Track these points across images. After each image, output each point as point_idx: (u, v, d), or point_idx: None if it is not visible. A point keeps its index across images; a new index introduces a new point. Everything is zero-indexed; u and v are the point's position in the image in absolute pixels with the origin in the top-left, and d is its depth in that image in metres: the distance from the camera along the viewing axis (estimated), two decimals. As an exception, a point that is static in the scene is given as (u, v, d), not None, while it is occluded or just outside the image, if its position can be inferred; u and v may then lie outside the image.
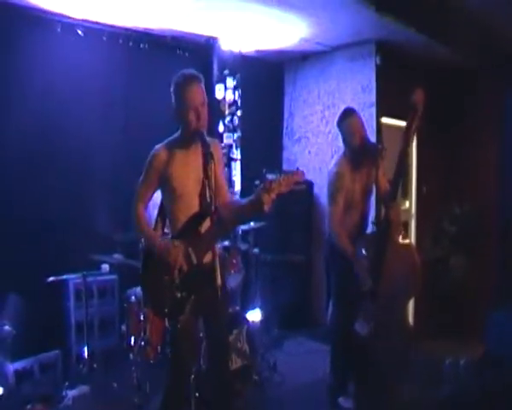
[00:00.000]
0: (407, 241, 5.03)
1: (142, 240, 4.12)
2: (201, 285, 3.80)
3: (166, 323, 3.97)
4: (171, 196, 3.88)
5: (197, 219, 3.86)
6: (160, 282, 3.75)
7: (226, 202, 4.04)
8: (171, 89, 3.84)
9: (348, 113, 5.21)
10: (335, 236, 5.03)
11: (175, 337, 3.92)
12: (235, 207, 4.01)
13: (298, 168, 3.80)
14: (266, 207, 3.58)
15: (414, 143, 7.93)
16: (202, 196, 3.72)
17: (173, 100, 3.83)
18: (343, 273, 5.02)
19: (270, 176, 7.49)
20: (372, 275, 4.65)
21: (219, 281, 3.67)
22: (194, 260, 3.80)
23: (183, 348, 3.92)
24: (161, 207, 4.04)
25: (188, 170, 3.84)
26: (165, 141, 3.89)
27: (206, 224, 3.84)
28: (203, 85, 3.86)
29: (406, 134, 4.63)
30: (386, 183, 4.98)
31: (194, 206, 3.82)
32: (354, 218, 5.13)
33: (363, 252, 4.82)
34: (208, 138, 3.75)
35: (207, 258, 3.87)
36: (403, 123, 4.77)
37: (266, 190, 3.55)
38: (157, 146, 3.86)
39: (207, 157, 3.60)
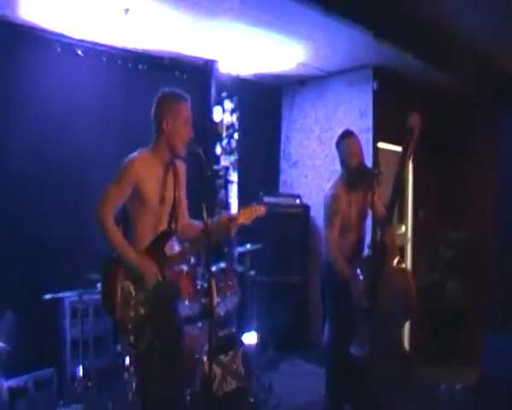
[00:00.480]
0: (402, 265, 5.03)
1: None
2: (163, 305, 3.92)
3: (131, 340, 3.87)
4: (141, 208, 3.85)
5: (165, 237, 3.95)
6: (127, 296, 3.78)
7: (187, 222, 4.21)
8: (159, 99, 3.97)
9: (347, 134, 5.32)
10: (332, 258, 5.07)
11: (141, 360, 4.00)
12: (198, 227, 4.00)
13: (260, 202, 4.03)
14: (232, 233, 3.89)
15: (410, 168, 7.97)
16: (171, 215, 3.91)
17: (157, 112, 3.92)
18: (339, 295, 5.03)
19: (266, 198, 7.55)
20: (367, 297, 4.66)
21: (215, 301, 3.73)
22: (159, 278, 3.86)
23: (149, 374, 3.93)
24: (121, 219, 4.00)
25: (161, 187, 3.89)
26: (141, 150, 3.91)
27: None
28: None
29: (402, 158, 4.67)
30: (382, 207, 5.03)
31: (162, 223, 3.92)
32: (350, 240, 5.18)
33: (360, 274, 4.84)
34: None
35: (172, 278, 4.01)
36: (400, 148, 4.81)
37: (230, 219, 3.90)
38: (135, 154, 3.86)
39: (178, 175, 3.91)
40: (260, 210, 4.15)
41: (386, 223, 4.72)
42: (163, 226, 3.92)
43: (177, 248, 4.62)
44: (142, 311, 3.78)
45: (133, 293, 3.80)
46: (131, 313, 3.77)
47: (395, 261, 4.82)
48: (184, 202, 4.18)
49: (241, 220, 4.01)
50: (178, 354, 4.14)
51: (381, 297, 4.57)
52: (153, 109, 3.97)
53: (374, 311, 4.57)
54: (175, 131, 3.84)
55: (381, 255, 4.67)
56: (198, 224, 4.01)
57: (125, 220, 4.00)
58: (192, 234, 4.14)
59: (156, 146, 3.91)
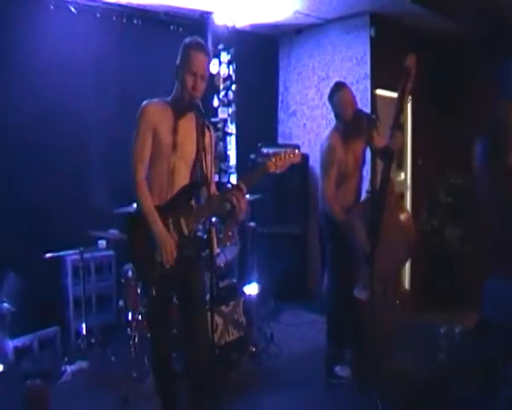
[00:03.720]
0: (402, 204, 5.08)
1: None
2: (188, 258, 3.85)
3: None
4: (155, 153, 3.78)
5: (191, 189, 3.89)
6: (150, 251, 3.72)
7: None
8: (180, 48, 3.79)
9: (339, 86, 5.27)
10: (329, 207, 5.11)
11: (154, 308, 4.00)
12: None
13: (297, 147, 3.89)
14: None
15: (409, 115, 7.95)
16: (196, 166, 3.79)
17: (178, 60, 3.78)
18: (338, 242, 5.08)
19: (265, 149, 7.53)
20: (369, 238, 4.68)
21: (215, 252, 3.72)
22: (186, 232, 3.78)
23: (159, 317, 4.00)
24: None
25: (181, 136, 3.81)
26: (157, 99, 3.83)
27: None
28: (209, 60, 3.88)
29: (400, 98, 4.69)
30: (382, 140, 4.95)
31: (176, 171, 3.84)
32: (348, 189, 5.21)
33: (358, 219, 4.86)
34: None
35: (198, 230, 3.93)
36: (409, 99, 4.83)
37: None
38: (148, 100, 3.79)
39: (203, 129, 3.67)
40: (296, 156, 3.93)
41: (392, 130, 4.69)
42: (178, 174, 3.83)
43: None
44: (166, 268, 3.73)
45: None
46: (155, 270, 3.73)
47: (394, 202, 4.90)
48: (211, 168, 3.90)
49: (272, 169, 3.82)
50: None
51: (383, 236, 4.58)
52: (179, 55, 3.82)
53: (376, 251, 4.58)
54: (181, 78, 3.74)
55: (382, 192, 4.66)
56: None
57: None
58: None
59: (171, 95, 3.85)
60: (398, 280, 4.97)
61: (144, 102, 3.78)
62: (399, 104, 4.67)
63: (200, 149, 3.67)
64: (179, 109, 3.81)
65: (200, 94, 3.78)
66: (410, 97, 4.75)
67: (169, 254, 3.68)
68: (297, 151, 3.93)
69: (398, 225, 4.77)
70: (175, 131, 3.79)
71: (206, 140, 3.75)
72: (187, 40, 3.83)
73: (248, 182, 3.80)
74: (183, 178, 3.85)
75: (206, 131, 3.77)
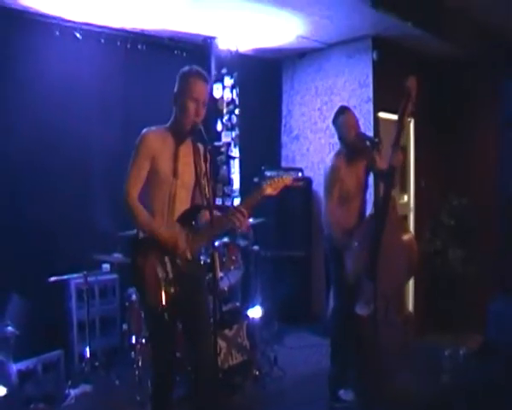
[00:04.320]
0: (404, 223, 5.09)
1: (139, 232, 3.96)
2: (192, 281, 3.90)
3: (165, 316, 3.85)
4: (155, 181, 3.83)
5: (192, 213, 3.95)
6: (155, 275, 3.77)
7: None
8: (178, 76, 3.88)
9: (342, 110, 5.37)
10: (330, 226, 5.17)
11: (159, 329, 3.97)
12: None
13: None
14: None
15: (411, 137, 7.98)
16: (196, 191, 3.87)
17: (176, 88, 3.86)
18: (341, 260, 5.11)
19: (268, 173, 7.57)
20: (370, 255, 4.71)
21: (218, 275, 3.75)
22: (189, 256, 3.83)
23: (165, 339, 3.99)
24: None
25: (181, 162, 3.88)
26: (156, 127, 3.89)
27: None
28: (208, 86, 3.93)
29: (400, 119, 4.72)
30: (384, 163, 4.99)
31: (178, 198, 3.89)
32: (351, 211, 5.24)
33: (358, 241, 4.90)
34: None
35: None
36: (409, 120, 4.87)
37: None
38: (147, 128, 3.85)
39: (204, 154, 3.78)
40: (288, 179, 4.11)
41: (393, 148, 4.73)
42: (179, 201, 3.90)
43: None
44: (172, 289, 3.79)
45: (164, 272, 3.81)
46: (162, 292, 3.77)
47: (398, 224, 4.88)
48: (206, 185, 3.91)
49: (268, 191, 3.96)
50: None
51: (385, 254, 4.60)
52: (177, 83, 3.92)
53: (377, 269, 4.59)
54: (181, 106, 3.82)
55: (384, 210, 4.69)
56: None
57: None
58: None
59: (170, 122, 3.92)
60: (401, 299, 4.97)
61: (144, 130, 3.83)
62: (400, 125, 4.71)
63: (199, 174, 3.78)
64: (179, 136, 3.88)
65: (201, 119, 3.85)
66: (410, 119, 4.77)
67: (184, 247, 3.77)
68: (290, 177, 4.14)
69: (399, 243, 4.78)
70: (176, 158, 3.86)
71: (207, 165, 3.79)
72: (185, 68, 3.90)
73: (248, 204, 3.90)
74: (184, 204, 3.92)
75: (208, 155, 3.82)
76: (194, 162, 3.86)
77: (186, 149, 3.90)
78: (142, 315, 5.39)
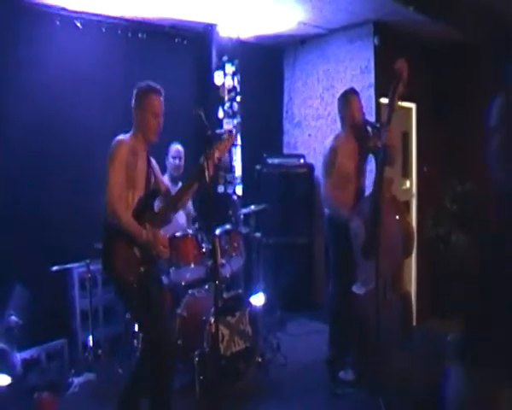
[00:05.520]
0: (398, 201, 5.14)
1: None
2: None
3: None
4: (129, 188, 4.21)
5: (149, 198, 4.34)
6: (130, 259, 4.14)
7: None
8: (134, 93, 4.43)
9: (350, 93, 5.52)
10: (330, 202, 5.29)
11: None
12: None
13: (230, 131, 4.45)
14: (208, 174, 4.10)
15: (413, 123, 7.97)
16: (148, 180, 4.33)
17: (135, 102, 4.40)
18: (340, 244, 5.17)
19: (270, 160, 7.58)
20: (368, 234, 4.75)
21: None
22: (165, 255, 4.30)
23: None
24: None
25: (145, 170, 4.34)
26: (123, 135, 4.33)
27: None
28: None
29: (391, 100, 4.78)
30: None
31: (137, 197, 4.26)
32: (350, 192, 5.33)
33: (359, 216, 5.01)
34: None
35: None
36: (402, 103, 4.90)
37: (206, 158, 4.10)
38: (121, 136, 4.29)
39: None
40: (231, 138, 4.73)
41: (385, 126, 4.81)
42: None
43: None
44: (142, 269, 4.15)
45: (135, 256, 4.15)
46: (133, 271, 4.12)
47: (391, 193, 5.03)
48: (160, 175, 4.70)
49: (217, 155, 4.36)
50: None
51: (382, 232, 4.62)
52: (135, 99, 4.43)
53: (374, 248, 4.62)
54: (146, 122, 4.28)
55: (377, 188, 4.74)
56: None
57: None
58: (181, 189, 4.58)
59: (134, 135, 4.34)
60: (398, 278, 4.97)
61: (116, 138, 4.29)
62: (390, 106, 4.81)
63: (151, 177, 4.37)
64: (140, 144, 4.32)
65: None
66: (400, 100, 4.86)
67: (159, 242, 4.16)
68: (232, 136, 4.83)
69: (394, 222, 4.83)
70: (146, 167, 4.36)
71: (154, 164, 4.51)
72: (141, 84, 4.43)
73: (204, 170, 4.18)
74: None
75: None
76: (147, 168, 4.35)
77: (143, 157, 4.35)
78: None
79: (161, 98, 4.36)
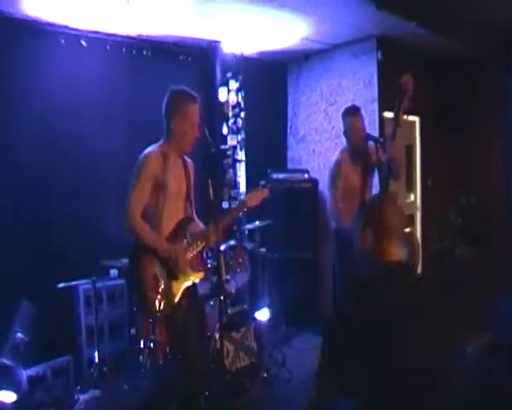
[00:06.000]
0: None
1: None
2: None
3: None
4: (162, 200, 4.00)
5: (186, 222, 4.14)
6: (157, 280, 3.95)
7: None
8: (168, 98, 4.14)
9: (352, 111, 5.56)
10: (334, 214, 5.35)
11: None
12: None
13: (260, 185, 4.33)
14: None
15: (417, 137, 7.98)
16: (185, 205, 4.12)
17: (169, 108, 4.12)
18: (347, 256, 5.15)
19: (275, 175, 7.59)
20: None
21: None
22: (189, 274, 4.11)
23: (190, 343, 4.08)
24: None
25: (176, 176, 4.07)
26: (155, 145, 4.10)
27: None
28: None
29: (396, 114, 4.79)
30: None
31: (179, 210, 4.12)
32: (356, 205, 5.32)
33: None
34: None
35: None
36: (405, 117, 4.93)
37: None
38: (149, 149, 4.04)
39: (187, 168, 4.11)
40: (265, 192, 4.54)
41: (390, 140, 4.84)
42: (168, 212, 4.06)
43: None
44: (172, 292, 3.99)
45: (163, 278, 3.97)
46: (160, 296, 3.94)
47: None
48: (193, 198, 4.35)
49: (249, 204, 4.37)
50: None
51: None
52: (163, 107, 4.16)
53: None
54: (183, 132, 4.06)
55: (381, 197, 4.75)
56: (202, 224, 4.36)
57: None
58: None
59: (167, 143, 4.10)
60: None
61: (145, 152, 4.05)
62: (395, 120, 4.82)
63: (190, 187, 4.09)
64: (172, 153, 4.10)
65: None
66: (406, 115, 4.88)
67: (182, 260, 3.99)
68: (266, 189, 4.61)
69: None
70: (179, 177, 4.12)
71: (192, 177, 4.21)
72: (178, 90, 4.16)
73: (231, 215, 4.42)
74: (172, 214, 4.09)
75: (190, 167, 4.21)
76: (185, 176, 4.10)
77: (177, 164, 4.12)
78: (150, 319, 5.44)
79: (198, 106, 4.17)
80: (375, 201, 4.71)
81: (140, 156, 4.03)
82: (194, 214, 4.35)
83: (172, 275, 3.99)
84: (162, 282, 3.94)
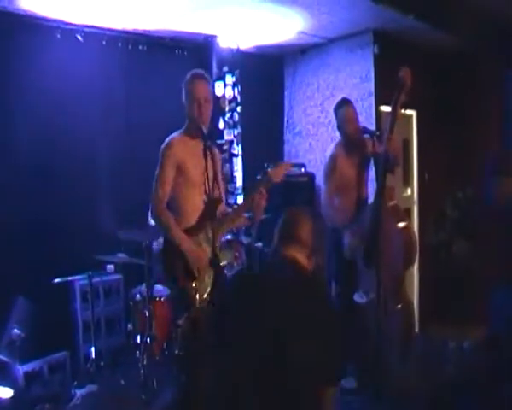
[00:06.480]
0: (400, 210, 5.14)
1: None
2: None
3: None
4: (182, 184, 4.10)
5: (215, 203, 4.12)
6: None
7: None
8: (183, 85, 4.19)
9: (343, 103, 5.53)
10: (327, 212, 5.33)
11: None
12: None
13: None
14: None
15: (414, 131, 7.98)
16: (210, 188, 3.95)
17: (183, 97, 4.18)
18: (341, 250, 5.16)
19: (271, 169, 7.55)
20: (368, 242, 4.75)
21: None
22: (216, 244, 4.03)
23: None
24: None
25: (196, 161, 4.05)
26: (177, 132, 4.19)
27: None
28: (209, 84, 4.23)
29: (393, 109, 4.77)
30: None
31: (199, 195, 4.11)
32: (349, 201, 5.39)
33: (357, 227, 5.03)
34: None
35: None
36: (402, 111, 4.94)
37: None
38: (171, 136, 4.15)
39: (206, 151, 3.89)
40: (288, 165, 4.70)
41: (388, 134, 4.80)
42: (193, 196, 4.17)
43: None
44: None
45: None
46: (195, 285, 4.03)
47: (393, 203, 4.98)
48: (222, 185, 4.41)
49: (274, 180, 4.43)
50: None
51: (382, 243, 4.62)
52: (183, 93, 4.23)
53: (374, 255, 4.62)
54: (191, 111, 4.12)
55: (378, 192, 4.76)
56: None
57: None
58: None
59: (185, 128, 4.21)
60: (400, 288, 4.96)
61: (167, 139, 4.15)
62: (393, 114, 4.79)
63: (209, 171, 3.87)
64: (192, 138, 4.14)
65: (207, 119, 4.16)
66: (403, 109, 4.88)
67: (197, 261, 4.01)
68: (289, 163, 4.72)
69: (396, 231, 4.81)
70: (200, 162, 3.99)
71: (216, 161, 4.08)
72: (186, 77, 4.20)
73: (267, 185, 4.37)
74: (197, 198, 4.14)
75: (215, 152, 4.18)
76: (205, 161, 3.94)
77: (196, 150, 4.02)
78: (147, 314, 5.45)
79: (205, 82, 4.20)
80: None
81: (162, 144, 4.12)
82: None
83: (192, 274, 4.04)
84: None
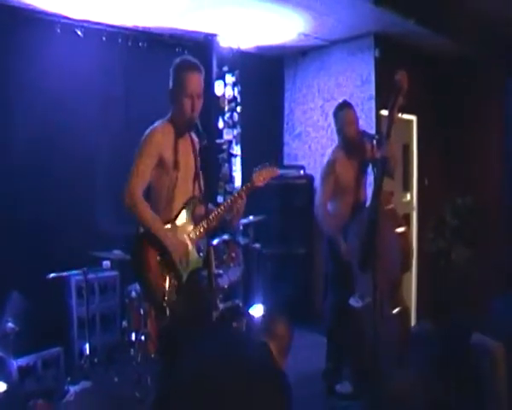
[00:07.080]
0: (397, 215, 5.12)
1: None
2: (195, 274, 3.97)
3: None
4: (158, 173, 3.85)
5: (192, 205, 3.99)
6: (161, 274, 3.80)
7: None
8: (171, 69, 3.92)
9: (344, 105, 5.49)
10: (319, 215, 5.33)
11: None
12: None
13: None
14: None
15: (414, 136, 7.97)
16: (195, 183, 3.91)
17: (171, 82, 3.91)
18: (337, 254, 5.14)
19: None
20: (364, 247, 4.72)
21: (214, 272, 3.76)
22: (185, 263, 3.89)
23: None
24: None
25: (181, 155, 3.90)
26: (159, 122, 3.91)
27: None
28: (202, 76, 3.94)
29: (390, 112, 4.75)
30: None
31: (188, 191, 3.96)
32: (348, 202, 5.35)
33: (354, 230, 5.01)
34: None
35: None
36: (402, 115, 4.91)
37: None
38: (153, 126, 3.87)
39: (202, 149, 3.84)
40: (274, 171, 4.44)
41: (384, 139, 4.76)
42: (179, 193, 3.93)
43: None
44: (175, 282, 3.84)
45: (165, 267, 3.83)
46: (165, 284, 3.80)
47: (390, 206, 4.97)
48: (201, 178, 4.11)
49: (257, 184, 4.23)
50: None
51: (378, 248, 4.60)
52: (171, 76, 3.96)
53: (370, 260, 4.60)
54: (178, 102, 3.85)
55: (375, 196, 4.71)
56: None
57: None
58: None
59: (171, 116, 3.94)
60: (396, 293, 4.94)
61: (149, 129, 3.86)
62: (390, 118, 4.74)
63: (198, 167, 3.85)
64: (179, 130, 3.90)
65: (198, 113, 3.90)
66: (400, 113, 4.85)
67: (177, 250, 3.79)
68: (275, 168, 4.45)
69: (393, 236, 4.79)
70: (176, 151, 3.87)
71: (197, 158, 3.95)
72: (178, 60, 3.93)
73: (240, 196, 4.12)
74: (183, 196, 3.95)
75: (196, 145, 3.97)
76: (193, 156, 3.90)
77: (185, 142, 3.93)
78: (142, 312, 5.42)
79: (199, 75, 3.89)
80: None
81: (146, 131, 3.86)
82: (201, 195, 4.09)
83: (170, 263, 3.82)
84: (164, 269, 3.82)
